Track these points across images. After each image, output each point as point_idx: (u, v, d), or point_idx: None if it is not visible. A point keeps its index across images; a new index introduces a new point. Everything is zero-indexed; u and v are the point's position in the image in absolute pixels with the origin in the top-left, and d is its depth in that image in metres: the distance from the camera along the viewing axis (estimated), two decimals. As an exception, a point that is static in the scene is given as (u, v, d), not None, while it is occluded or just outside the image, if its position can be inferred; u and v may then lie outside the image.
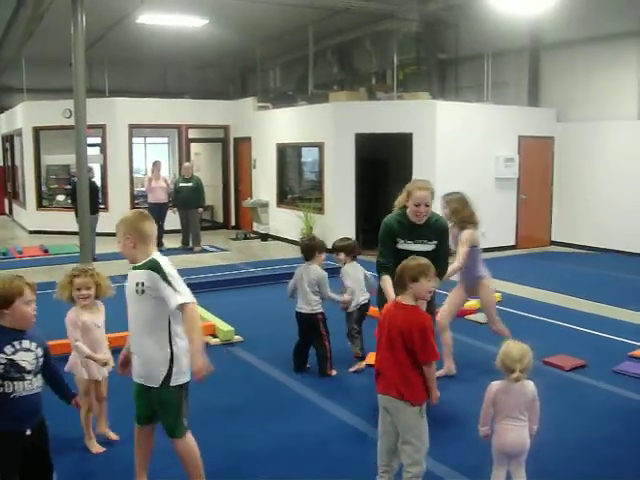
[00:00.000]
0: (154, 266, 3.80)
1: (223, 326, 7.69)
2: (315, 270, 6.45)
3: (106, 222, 11.89)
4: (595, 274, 11.75)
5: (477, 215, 6.69)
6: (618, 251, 13.33)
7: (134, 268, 3.89)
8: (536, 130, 14.54)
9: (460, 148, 13.35)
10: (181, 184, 14.46)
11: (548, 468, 4.60)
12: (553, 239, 14.98)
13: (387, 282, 5.11)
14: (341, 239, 7.03)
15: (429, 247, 5.30)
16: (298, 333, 6.56)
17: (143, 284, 3.79)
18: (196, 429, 4.09)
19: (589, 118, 14.16)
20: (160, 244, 14.22)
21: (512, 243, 14.46)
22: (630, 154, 13.21)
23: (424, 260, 4.08)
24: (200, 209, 14.68)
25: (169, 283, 3.74)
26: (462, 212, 6.52)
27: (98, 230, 12.63)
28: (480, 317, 8.53)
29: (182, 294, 3.75)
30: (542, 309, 9.11)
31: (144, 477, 4.18)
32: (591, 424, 5.35)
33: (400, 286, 4.05)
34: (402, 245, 5.31)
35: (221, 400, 5.79)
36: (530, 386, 3.98)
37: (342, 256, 6.82)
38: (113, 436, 5.03)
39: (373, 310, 6.61)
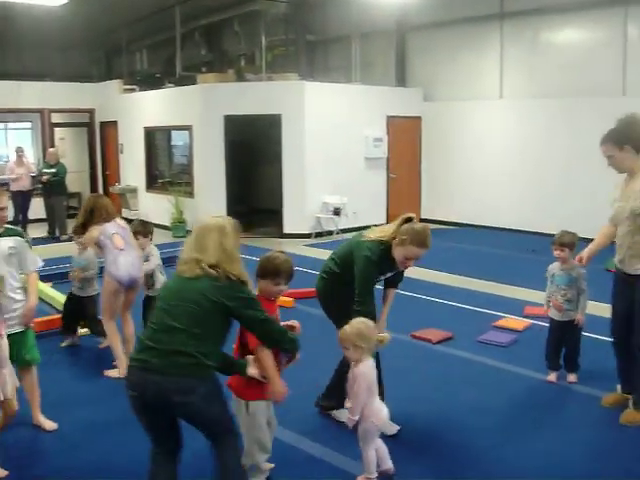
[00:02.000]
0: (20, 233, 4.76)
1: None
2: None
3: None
4: (462, 249, 12.09)
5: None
6: (487, 226, 13.76)
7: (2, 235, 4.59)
8: (404, 110, 14.78)
9: (329, 129, 13.41)
10: (45, 170, 13.89)
11: (413, 438, 4.66)
12: (423, 216, 15.27)
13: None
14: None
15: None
16: None
17: (14, 247, 4.60)
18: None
19: (455, 97, 14.53)
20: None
21: (383, 221, 14.63)
22: (493, 132, 13.65)
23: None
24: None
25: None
26: None
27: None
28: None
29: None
30: (410, 285, 9.22)
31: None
32: (454, 392, 5.46)
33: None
34: (383, 277, 4.75)
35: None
36: None
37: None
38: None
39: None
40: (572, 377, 5.66)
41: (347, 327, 3.93)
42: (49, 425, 4.89)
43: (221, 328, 3.41)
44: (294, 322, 3.91)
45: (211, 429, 3.45)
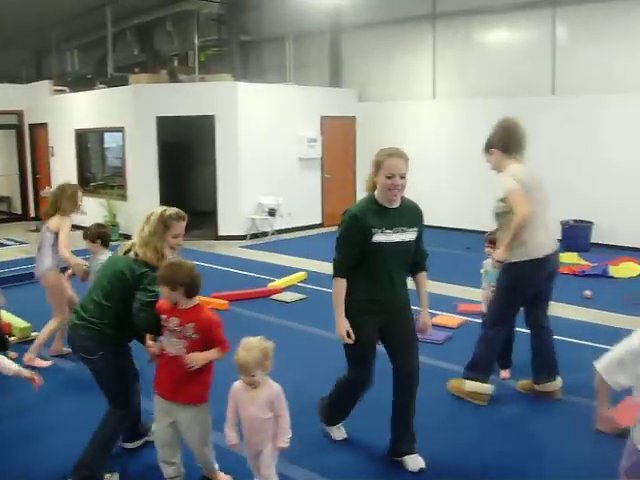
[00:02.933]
0: None
1: (19, 323, 7.23)
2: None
3: None
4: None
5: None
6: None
7: None
8: (338, 110, 14.82)
9: (263, 129, 13.36)
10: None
11: (363, 440, 4.66)
12: (359, 217, 15.37)
13: (339, 287, 4.12)
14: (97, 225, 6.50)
15: (411, 235, 4.16)
16: None
17: None
18: None
19: (389, 98, 14.63)
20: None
21: (318, 221, 14.70)
22: (427, 132, 13.78)
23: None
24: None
25: None
26: None
27: None
28: (286, 297, 8.59)
29: None
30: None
31: None
32: (386, 391, 5.46)
33: None
34: (379, 237, 4.00)
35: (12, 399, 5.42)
36: None
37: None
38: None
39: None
40: (505, 373, 5.73)
41: (243, 352, 3.54)
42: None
43: (128, 301, 3.89)
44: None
45: (105, 393, 4.06)
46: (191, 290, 3.73)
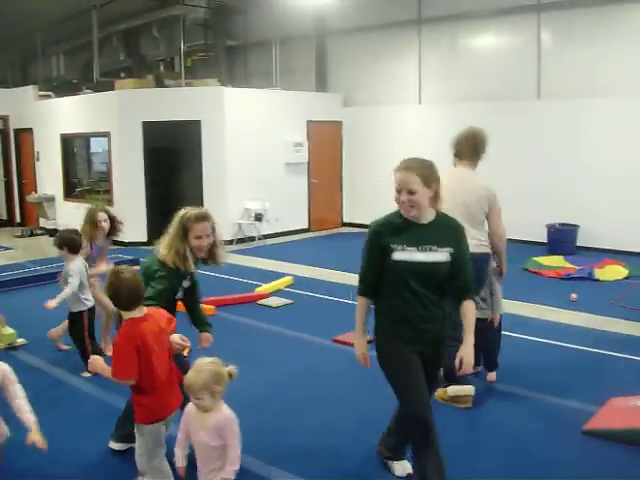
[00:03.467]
0: None
1: (4, 329, 7.19)
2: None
3: None
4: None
5: None
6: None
7: None
8: (324, 115, 14.85)
9: (249, 134, 13.37)
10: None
11: (345, 443, 4.66)
12: (345, 220, 15.40)
13: (360, 304, 3.85)
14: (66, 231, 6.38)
15: (441, 256, 3.66)
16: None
17: None
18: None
19: (374, 102, 14.69)
20: None
21: (305, 226, 14.71)
22: (412, 136, 13.80)
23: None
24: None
25: None
26: None
27: None
28: (273, 301, 8.59)
29: None
30: (332, 288, 9.30)
31: None
32: (376, 394, 5.45)
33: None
34: (399, 255, 3.63)
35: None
36: None
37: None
38: None
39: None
40: (491, 376, 5.74)
41: (192, 373, 3.35)
42: None
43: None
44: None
45: None
46: (123, 302, 3.60)
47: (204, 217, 4.22)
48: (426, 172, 3.60)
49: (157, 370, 3.60)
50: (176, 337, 3.86)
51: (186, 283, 4.40)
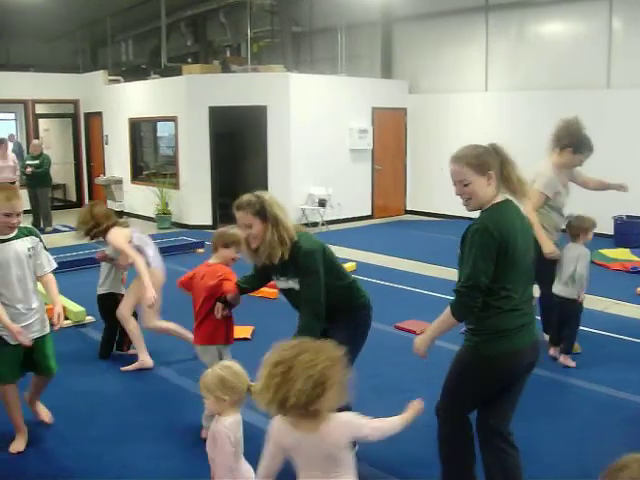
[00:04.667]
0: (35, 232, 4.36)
1: (74, 307, 7.42)
2: None
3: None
4: (446, 240, 12.09)
5: None
6: (471, 218, 13.74)
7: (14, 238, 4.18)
8: (389, 102, 14.81)
9: (314, 120, 13.42)
10: (29, 162, 13.81)
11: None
12: (408, 208, 15.36)
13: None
14: None
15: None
16: None
17: (32, 248, 4.24)
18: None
19: (440, 90, 14.57)
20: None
21: (368, 213, 14.72)
22: (478, 124, 13.65)
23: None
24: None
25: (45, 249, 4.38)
26: None
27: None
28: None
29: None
30: (394, 276, 9.31)
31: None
32: (436, 384, 5.47)
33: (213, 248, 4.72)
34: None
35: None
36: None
37: None
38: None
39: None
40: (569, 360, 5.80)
41: (209, 372, 3.05)
42: (46, 415, 4.77)
43: None
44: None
45: None
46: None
47: (236, 206, 3.99)
48: (478, 159, 3.28)
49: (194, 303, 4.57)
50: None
51: None
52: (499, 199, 3.35)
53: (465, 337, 3.46)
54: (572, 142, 5.82)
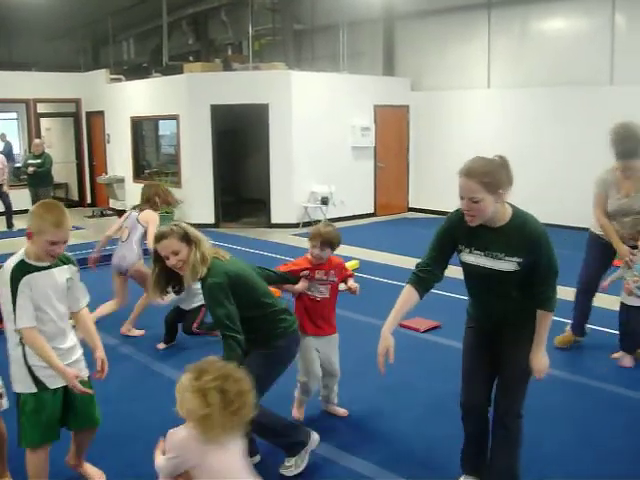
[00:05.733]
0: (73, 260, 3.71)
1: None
2: None
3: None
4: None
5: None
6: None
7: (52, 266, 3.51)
8: (391, 99, 14.78)
9: (316, 118, 13.39)
10: (31, 161, 13.80)
11: (400, 428, 4.67)
12: (411, 205, 15.33)
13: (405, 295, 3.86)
14: None
15: (508, 265, 3.35)
16: None
17: (70, 279, 3.64)
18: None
19: (442, 87, 14.54)
20: (10, 225, 13.60)
21: (371, 211, 14.70)
22: (480, 121, 13.63)
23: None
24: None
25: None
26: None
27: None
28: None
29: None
30: (397, 273, 9.26)
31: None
32: (440, 381, 5.47)
33: None
34: (465, 256, 3.52)
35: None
36: None
37: None
38: None
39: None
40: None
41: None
42: (99, 476, 4.03)
43: None
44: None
45: None
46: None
47: None
48: (489, 177, 3.23)
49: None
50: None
51: None
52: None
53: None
54: None
